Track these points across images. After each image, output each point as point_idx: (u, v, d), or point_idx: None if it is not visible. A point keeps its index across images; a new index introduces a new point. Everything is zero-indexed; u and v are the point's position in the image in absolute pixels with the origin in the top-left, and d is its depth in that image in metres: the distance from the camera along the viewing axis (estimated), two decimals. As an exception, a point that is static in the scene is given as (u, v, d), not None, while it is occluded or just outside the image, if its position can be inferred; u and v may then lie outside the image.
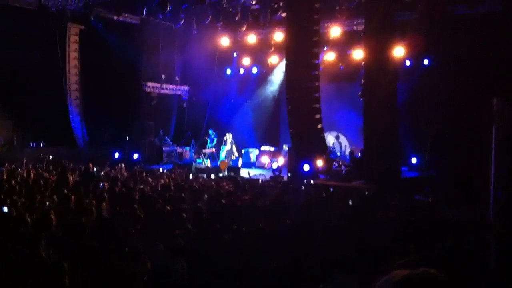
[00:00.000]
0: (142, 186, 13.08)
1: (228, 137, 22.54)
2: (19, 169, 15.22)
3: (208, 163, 21.84)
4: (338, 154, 21.92)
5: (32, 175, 13.97)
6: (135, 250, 7.73)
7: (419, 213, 10.72)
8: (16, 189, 11.71)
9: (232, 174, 19.08)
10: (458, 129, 17.95)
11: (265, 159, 22.62)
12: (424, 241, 8.78)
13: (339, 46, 22.86)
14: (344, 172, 18.07)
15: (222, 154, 22.29)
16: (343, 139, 23.28)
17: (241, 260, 7.96)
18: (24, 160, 17.64)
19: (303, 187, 14.82)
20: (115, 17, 22.02)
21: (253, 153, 23.15)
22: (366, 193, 13.76)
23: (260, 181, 16.83)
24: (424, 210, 11.30)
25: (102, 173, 15.81)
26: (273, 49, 24.23)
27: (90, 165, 14.42)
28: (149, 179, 14.60)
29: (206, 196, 11.87)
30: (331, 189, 14.60)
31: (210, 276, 7.68)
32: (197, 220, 9.25)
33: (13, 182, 12.58)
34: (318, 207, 10.95)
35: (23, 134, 22.95)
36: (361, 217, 9.99)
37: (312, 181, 15.98)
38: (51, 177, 13.98)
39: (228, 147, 22.31)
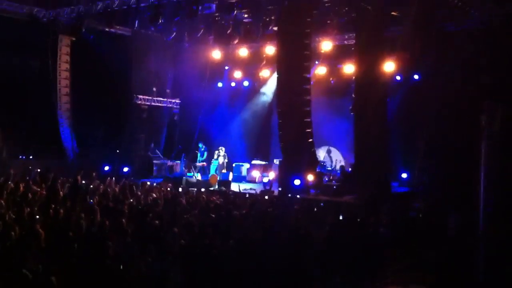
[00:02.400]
0: (132, 200, 12.99)
1: (221, 150, 22.47)
2: (9, 182, 15.04)
3: (198, 176, 21.73)
4: (329, 168, 21.91)
5: (21, 188, 13.81)
6: (123, 263, 7.68)
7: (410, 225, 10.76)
8: (3, 203, 11.59)
9: (223, 188, 18.99)
10: (447, 143, 18.04)
11: (256, 173, 22.55)
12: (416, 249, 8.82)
13: (330, 60, 22.96)
14: (334, 187, 18.04)
15: (214, 168, 22.20)
16: (334, 154, 23.29)
17: (232, 273, 7.95)
18: (12, 172, 17.45)
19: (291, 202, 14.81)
20: (107, 29, 21.98)
21: (244, 167, 23.07)
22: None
23: (247, 195, 16.77)
24: (415, 223, 11.34)
25: (91, 186, 15.67)
26: (264, 62, 24.27)
27: (78, 178, 14.26)
28: (139, 193, 14.49)
29: (196, 210, 11.82)
30: (322, 204, 14.57)
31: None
32: (188, 234, 9.20)
33: (2, 195, 12.46)
34: (307, 221, 10.95)
35: (12, 146, 22.74)
36: (352, 228, 10.02)
37: (298, 196, 15.92)
38: (40, 190, 13.83)
39: (220, 160, 22.24)
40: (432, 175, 18.40)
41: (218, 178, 20.69)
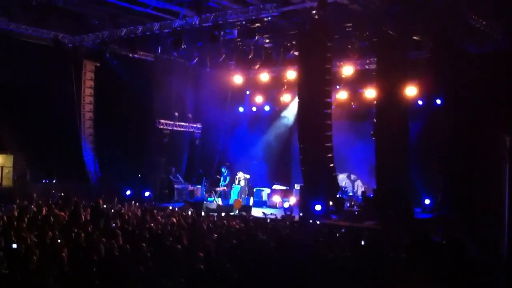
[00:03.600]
0: (152, 225, 13.00)
1: (240, 175, 22.47)
2: (32, 206, 15.19)
3: (219, 201, 21.72)
4: (350, 193, 21.74)
5: (43, 212, 13.94)
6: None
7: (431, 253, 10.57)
8: (25, 226, 11.69)
9: (243, 213, 18.93)
10: (471, 168, 17.77)
11: (276, 198, 22.46)
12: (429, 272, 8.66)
13: (352, 84, 22.97)
14: (356, 212, 17.87)
15: (235, 193, 22.18)
16: (355, 179, 23.12)
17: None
18: (34, 196, 17.65)
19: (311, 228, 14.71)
20: (130, 54, 22.30)
21: (265, 191, 22.99)
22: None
23: (268, 220, 16.68)
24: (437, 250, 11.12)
25: (112, 210, 15.75)
26: (285, 87, 24.36)
27: (100, 201, 14.33)
28: (159, 217, 14.51)
29: (216, 235, 11.77)
30: (343, 230, 14.41)
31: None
32: (207, 259, 9.16)
33: (24, 219, 12.57)
34: (327, 247, 10.84)
35: (36, 169, 23.02)
36: (371, 255, 9.88)
37: (318, 222, 15.77)
38: (63, 214, 13.93)
39: (242, 184, 22.23)
40: (454, 202, 18.09)
41: (242, 203, 20.71)
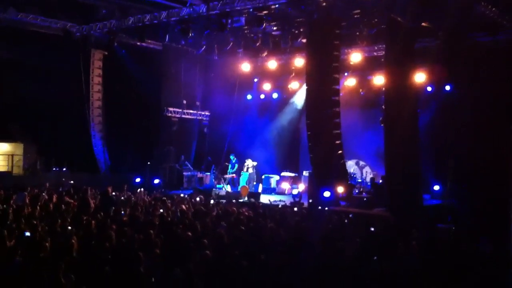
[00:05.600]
0: (162, 211, 13.10)
1: (249, 162, 22.51)
2: (43, 194, 15.34)
3: (228, 188, 21.81)
4: (359, 180, 21.76)
5: (54, 200, 14.08)
6: (153, 275, 7.75)
7: (442, 245, 10.53)
8: (37, 214, 11.82)
9: (252, 200, 19.00)
10: (480, 156, 17.70)
11: (285, 185, 22.51)
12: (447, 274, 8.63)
13: (360, 71, 22.89)
14: (365, 199, 17.89)
15: (244, 180, 22.25)
16: (364, 165, 23.13)
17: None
18: (47, 185, 17.82)
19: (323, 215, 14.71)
20: (138, 43, 22.31)
21: (274, 179, 23.05)
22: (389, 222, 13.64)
23: (279, 206, 16.73)
24: (447, 242, 11.07)
25: (122, 198, 15.86)
26: (293, 74, 24.31)
27: (109, 189, 14.40)
28: (169, 204, 14.60)
29: (225, 223, 11.84)
30: (351, 216, 14.45)
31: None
32: (217, 246, 9.22)
33: (35, 206, 12.72)
34: (338, 235, 10.85)
35: (46, 159, 23.22)
36: (384, 247, 9.84)
37: (326, 208, 15.79)
38: (73, 202, 14.07)
39: (250, 171, 22.28)
40: (463, 191, 18.02)
41: (249, 190, 20.78)
